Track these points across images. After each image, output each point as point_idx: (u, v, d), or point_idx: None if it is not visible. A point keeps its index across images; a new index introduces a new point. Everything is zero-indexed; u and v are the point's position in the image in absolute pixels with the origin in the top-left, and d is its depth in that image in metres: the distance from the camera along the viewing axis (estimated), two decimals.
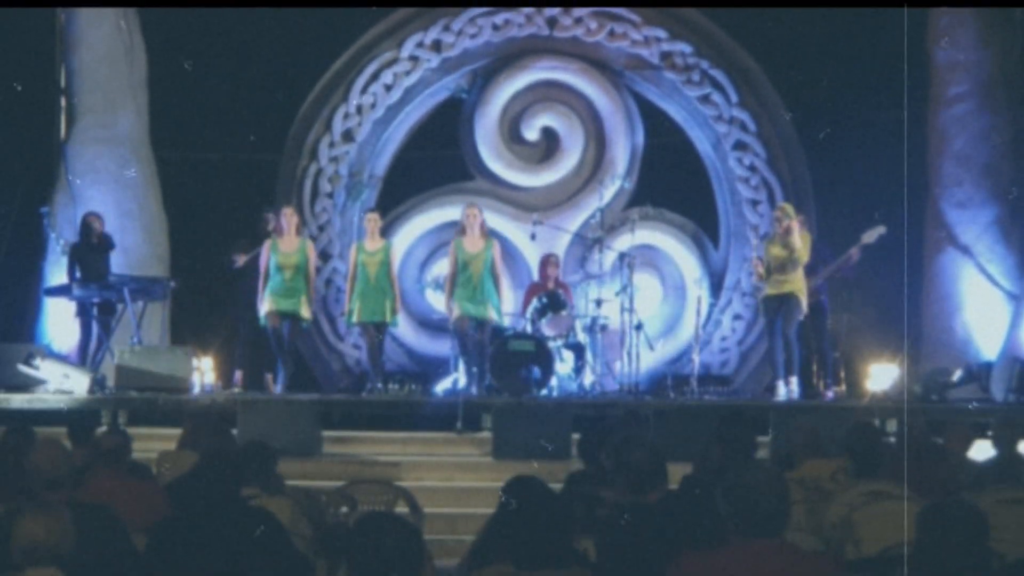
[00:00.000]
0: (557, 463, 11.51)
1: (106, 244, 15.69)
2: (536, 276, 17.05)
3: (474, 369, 15.32)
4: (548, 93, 18.38)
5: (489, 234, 15.66)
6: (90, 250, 15.61)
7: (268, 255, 15.32)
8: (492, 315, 15.26)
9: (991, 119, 16.66)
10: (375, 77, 18.10)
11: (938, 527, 5.21)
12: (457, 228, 15.72)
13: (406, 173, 18.41)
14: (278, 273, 15.24)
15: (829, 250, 15.64)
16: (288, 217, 15.49)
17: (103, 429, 11.42)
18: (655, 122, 18.38)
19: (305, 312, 15.37)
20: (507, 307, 16.77)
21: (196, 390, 15.08)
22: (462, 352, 15.54)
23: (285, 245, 15.35)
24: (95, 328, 15.57)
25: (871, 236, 15.26)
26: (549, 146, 18.41)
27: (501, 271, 15.65)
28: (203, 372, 15.80)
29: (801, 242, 14.81)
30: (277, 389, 15.26)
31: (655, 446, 6.90)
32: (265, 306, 15.24)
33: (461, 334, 15.41)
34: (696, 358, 16.17)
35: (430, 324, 17.45)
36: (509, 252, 18.03)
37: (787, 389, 15.01)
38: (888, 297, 16.60)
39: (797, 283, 14.87)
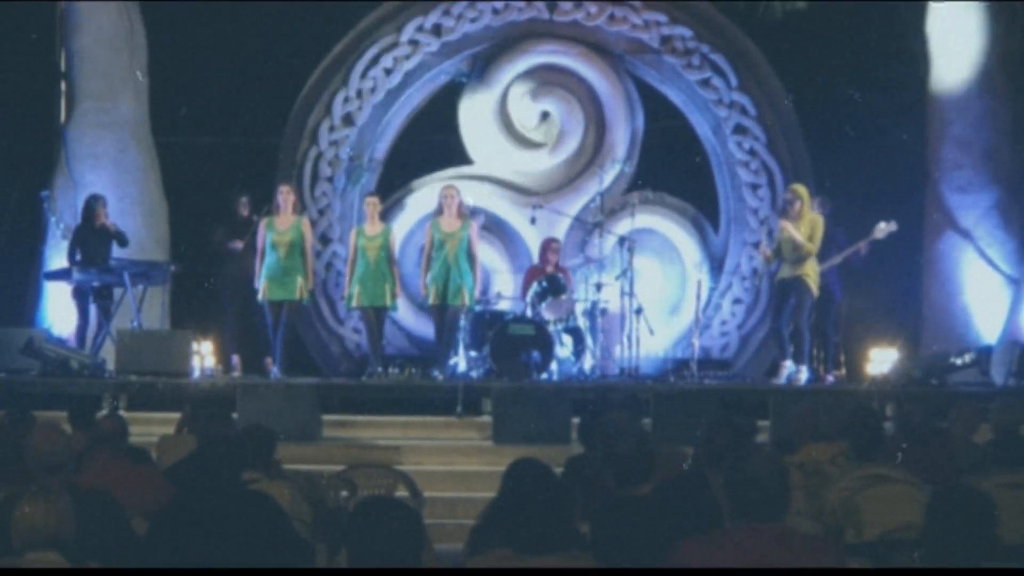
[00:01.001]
0: (557, 447, 11.53)
1: (112, 233, 15.65)
2: (536, 260, 17.04)
3: (474, 353, 15.39)
4: (548, 77, 18.33)
5: (466, 215, 15.69)
6: (92, 233, 15.61)
7: (264, 233, 15.34)
8: (465, 298, 15.31)
9: (991, 103, 16.64)
10: (375, 61, 18.06)
11: (948, 512, 5.21)
12: (435, 208, 15.78)
13: (406, 157, 18.39)
14: (273, 252, 15.26)
15: (843, 235, 15.64)
16: (284, 195, 15.52)
17: (103, 413, 11.45)
18: (655, 106, 18.35)
19: (300, 291, 15.35)
20: (507, 291, 16.83)
21: (196, 374, 15.10)
22: (436, 336, 15.64)
23: (280, 223, 15.38)
24: (93, 312, 15.58)
25: (882, 232, 15.27)
26: (549, 130, 18.37)
27: (478, 253, 15.71)
28: (203, 356, 15.82)
29: (809, 230, 14.79)
30: (275, 373, 15.26)
31: (645, 436, 6.90)
32: (262, 291, 15.28)
33: (438, 321, 15.53)
34: (696, 342, 16.18)
35: (430, 308, 17.43)
36: (509, 236, 18.04)
37: (796, 369, 15.02)
38: (888, 282, 16.62)
39: (809, 267, 14.88)
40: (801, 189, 15.24)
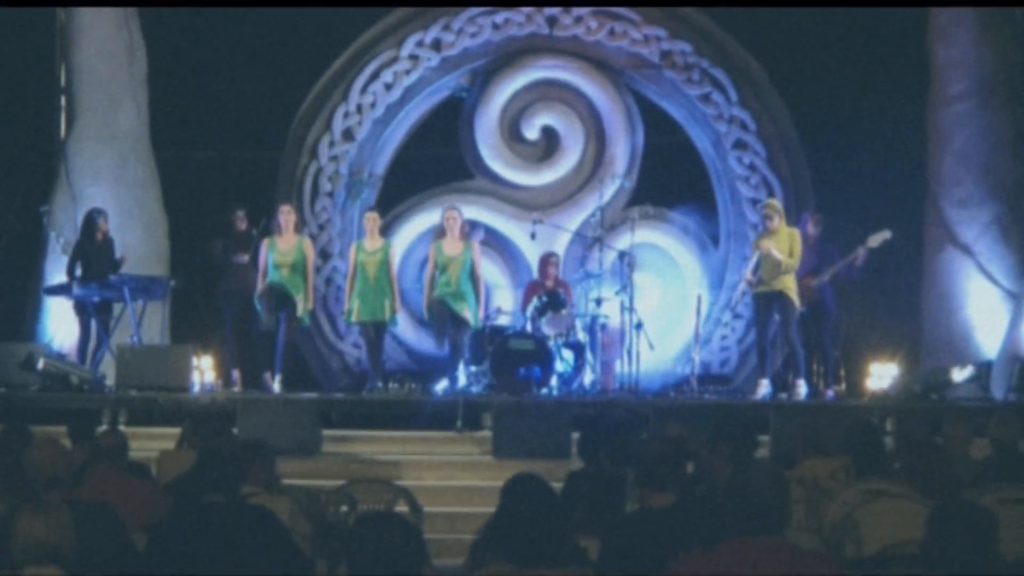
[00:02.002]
0: (557, 462, 11.50)
1: (109, 246, 15.67)
2: (536, 275, 17.04)
3: (475, 368, 15.41)
4: (548, 92, 18.37)
5: (468, 237, 15.72)
6: (92, 248, 15.61)
7: (265, 254, 15.36)
8: (468, 315, 15.32)
9: (991, 117, 16.65)
10: (375, 76, 18.09)
11: (948, 528, 5.20)
12: (436, 231, 15.82)
13: (406, 172, 18.40)
14: (275, 271, 15.28)
15: (836, 250, 15.64)
16: (285, 215, 15.56)
17: (103, 428, 11.44)
18: (655, 121, 18.37)
19: (301, 311, 15.36)
20: (507, 306, 16.83)
21: (196, 389, 15.09)
22: (436, 339, 15.63)
23: (282, 244, 15.41)
24: (94, 327, 15.58)
25: (876, 241, 15.28)
26: (549, 145, 18.40)
27: (481, 273, 15.80)
28: (203, 371, 15.81)
29: (788, 243, 14.83)
30: (275, 388, 15.25)
31: (676, 446, 6.91)
32: (262, 299, 15.32)
33: (439, 321, 15.49)
34: (696, 357, 16.16)
35: (430, 323, 17.42)
36: (509, 251, 18.07)
37: (772, 389, 15.08)
38: (888, 296, 16.61)
39: (787, 281, 14.90)
40: (777, 203, 15.37)
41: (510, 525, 5.36)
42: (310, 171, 18.07)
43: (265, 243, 15.47)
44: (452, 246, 15.49)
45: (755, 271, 15.15)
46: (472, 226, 16.46)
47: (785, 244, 14.88)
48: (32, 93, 17.46)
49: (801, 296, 15.04)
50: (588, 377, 15.74)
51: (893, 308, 16.84)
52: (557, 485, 6.89)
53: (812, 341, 15.56)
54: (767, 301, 15.08)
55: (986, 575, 5.15)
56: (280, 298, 15.28)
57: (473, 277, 15.50)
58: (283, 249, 15.37)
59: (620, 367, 16.11)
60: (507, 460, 12.38)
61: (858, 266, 15.52)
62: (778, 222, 14.97)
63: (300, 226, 16.41)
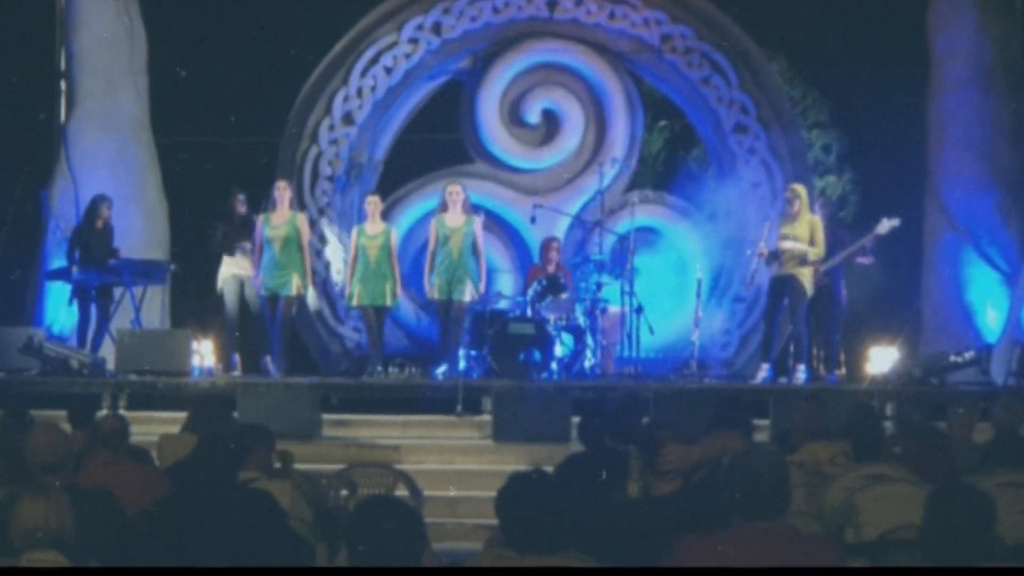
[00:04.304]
0: (557, 446, 11.50)
1: (109, 233, 15.66)
2: (537, 259, 17.03)
3: (474, 352, 15.41)
4: (548, 75, 18.35)
5: (471, 211, 15.72)
6: (93, 234, 15.60)
7: (260, 229, 15.37)
8: (469, 293, 15.35)
9: (991, 104, 16.64)
10: (375, 60, 18.06)
11: (946, 512, 5.20)
12: (439, 205, 15.81)
13: (406, 156, 18.40)
14: (268, 247, 15.27)
15: (847, 234, 15.62)
16: (280, 191, 15.54)
17: (103, 413, 11.43)
18: (655, 105, 18.35)
19: (296, 288, 15.33)
20: (507, 290, 16.84)
21: (196, 373, 15.09)
22: (440, 332, 15.65)
23: (275, 218, 15.40)
24: (93, 311, 15.58)
25: (885, 228, 15.21)
26: (549, 129, 18.38)
27: (482, 249, 15.77)
28: (203, 355, 15.81)
29: (809, 232, 14.79)
30: (273, 373, 15.22)
31: (685, 431, 6.91)
32: (260, 285, 15.32)
33: (443, 317, 15.57)
34: (696, 341, 16.14)
35: (430, 307, 17.40)
36: (510, 235, 18.05)
37: (772, 374, 15.07)
38: (889, 281, 16.61)
39: (803, 265, 14.87)
40: (800, 189, 15.23)
41: (508, 511, 5.35)
42: (310, 155, 18.05)
43: (260, 219, 15.47)
44: (455, 218, 15.50)
45: (773, 254, 15.06)
46: (473, 210, 16.46)
47: (806, 232, 14.83)
48: (32, 78, 17.45)
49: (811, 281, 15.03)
50: (588, 361, 15.73)
51: (894, 292, 16.84)
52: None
53: (819, 325, 15.57)
54: (778, 284, 15.06)
55: (984, 559, 5.16)
56: (274, 290, 15.30)
57: (475, 251, 15.51)
58: (276, 223, 15.35)
59: (620, 351, 16.10)
60: (507, 444, 12.41)
61: (868, 251, 15.51)
62: (799, 207, 14.91)
63: (297, 204, 16.36)
